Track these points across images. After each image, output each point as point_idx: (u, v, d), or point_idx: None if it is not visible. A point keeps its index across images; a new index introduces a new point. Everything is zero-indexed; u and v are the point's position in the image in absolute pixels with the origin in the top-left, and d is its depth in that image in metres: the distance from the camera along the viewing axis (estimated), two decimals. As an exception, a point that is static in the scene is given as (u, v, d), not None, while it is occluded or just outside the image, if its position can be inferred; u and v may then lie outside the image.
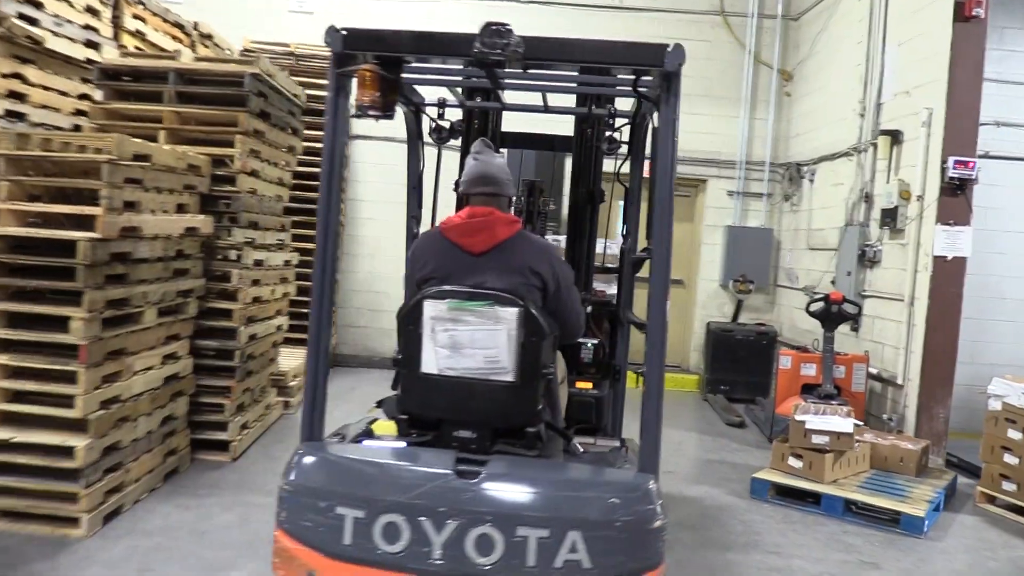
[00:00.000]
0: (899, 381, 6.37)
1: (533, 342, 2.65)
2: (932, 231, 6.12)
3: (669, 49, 2.48)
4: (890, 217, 6.62)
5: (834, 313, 6.43)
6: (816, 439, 5.29)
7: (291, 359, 7.00)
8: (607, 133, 3.84)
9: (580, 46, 2.55)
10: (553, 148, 4.71)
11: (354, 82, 2.60)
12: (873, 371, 6.66)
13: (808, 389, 6.60)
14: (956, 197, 6.08)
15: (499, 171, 3.03)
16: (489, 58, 2.45)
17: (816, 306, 6.48)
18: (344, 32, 2.52)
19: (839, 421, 5.29)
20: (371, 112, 2.54)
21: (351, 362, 9.20)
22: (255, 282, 5.70)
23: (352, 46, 2.52)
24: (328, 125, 2.62)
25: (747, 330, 8.65)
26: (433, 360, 2.67)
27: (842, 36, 8.00)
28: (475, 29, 2.50)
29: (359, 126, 9.02)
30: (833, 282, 7.57)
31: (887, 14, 7.08)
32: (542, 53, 2.52)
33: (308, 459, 2.54)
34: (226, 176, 5.27)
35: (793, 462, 5.35)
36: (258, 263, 5.74)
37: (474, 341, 2.64)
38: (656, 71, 2.59)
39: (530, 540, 2.34)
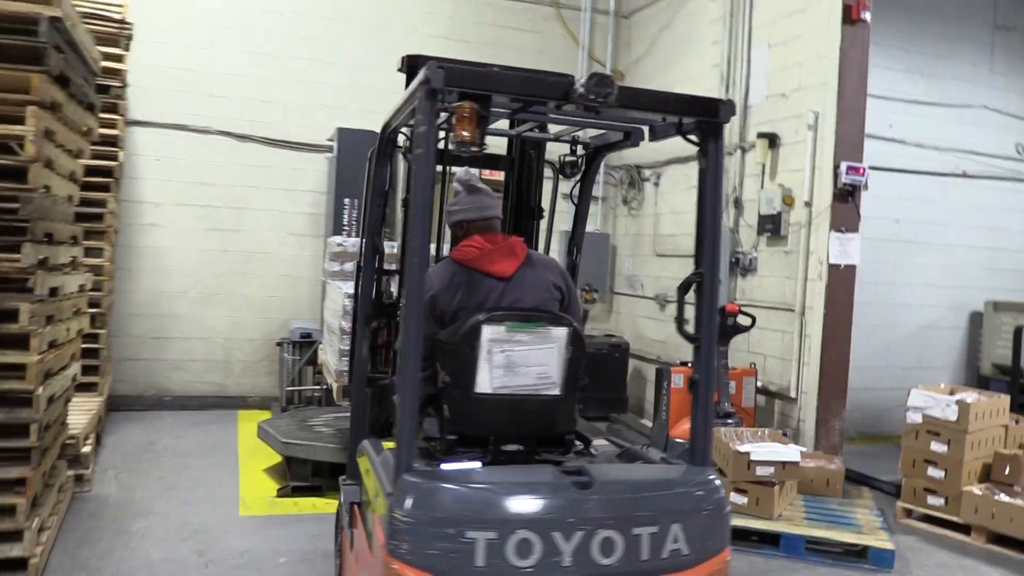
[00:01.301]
0: (792, 394, 6.14)
1: (577, 357, 2.94)
2: (824, 238, 5.95)
3: (723, 104, 2.75)
4: (771, 223, 6.39)
5: (729, 326, 6.04)
6: (760, 471, 4.79)
7: (78, 413, 5.20)
8: (569, 158, 3.88)
9: (656, 96, 2.83)
10: (494, 167, 4.54)
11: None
12: (758, 384, 6.39)
13: (702, 408, 6.15)
14: (847, 203, 5.95)
15: (492, 196, 3.30)
16: (595, 104, 2.58)
17: (712, 319, 6.05)
18: (445, 68, 2.48)
19: (784, 449, 4.84)
20: (472, 148, 2.52)
21: (134, 404, 7.31)
22: (49, 319, 4.00)
23: (453, 82, 2.49)
24: (423, 163, 2.52)
25: (598, 343, 8.13)
26: (488, 380, 2.81)
27: (691, 36, 7.74)
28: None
29: (137, 109, 7.17)
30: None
31: (752, 15, 6.87)
32: (626, 100, 2.67)
33: (426, 488, 2.50)
34: (9, 168, 3.57)
35: (736, 498, 4.81)
36: (53, 292, 4.03)
37: (528, 360, 2.85)
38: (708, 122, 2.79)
39: (643, 537, 2.55)
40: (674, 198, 7.94)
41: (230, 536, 4.40)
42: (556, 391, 2.91)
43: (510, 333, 2.82)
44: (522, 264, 3.13)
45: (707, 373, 2.83)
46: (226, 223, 7.62)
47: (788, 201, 6.27)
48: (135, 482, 5.18)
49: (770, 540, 4.61)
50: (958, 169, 8.04)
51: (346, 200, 6.95)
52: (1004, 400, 5.37)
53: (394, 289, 4.08)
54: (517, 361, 2.83)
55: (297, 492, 5.10)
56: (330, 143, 7.02)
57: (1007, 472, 5.08)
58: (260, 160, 7.67)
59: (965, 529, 4.97)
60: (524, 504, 2.50)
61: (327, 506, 4.90)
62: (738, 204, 6.90)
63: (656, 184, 8.26)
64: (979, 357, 8.20)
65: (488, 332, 2.78)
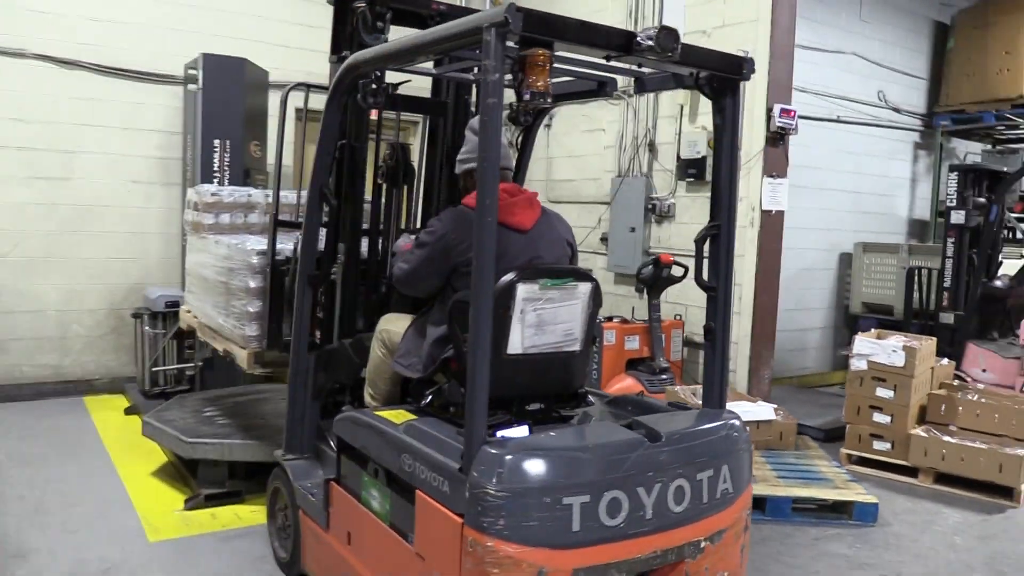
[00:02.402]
0: (720, 345, 5.96)
1: (595, 312, 2.98)
2: (755, 184, 5.76)
3: (745, 61, 2.83)
4: (694, 168, 6.12)
5: (663, 278, 5.74)
6: (734, 431, 4.53)
7: None
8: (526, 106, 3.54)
9: (697, 52, 2.73)
10: (426, 112, 4.36)
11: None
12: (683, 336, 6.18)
13: (634, 364, 5.86)
14: (777, 148, 5.78)
15: (506, 145, 3.20)
16: (662, 57, 2.54)
17: (647, 271, 5.72)
18: (523, 11, 2.28)
19: (757, 408, 4.62)
20: (544, 99, 2.42)
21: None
22: None
23: (530, 28, 2.32)
24: (495, 114, 2.33)
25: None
26: (519, 341, 2.75)
27: (590, -37, 7.21)
28: None
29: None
30: (604, 239, 6.91)
31: (663, -55, 6.45)
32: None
33: (513, 459, 2.38)
34: None
35: (709, 462, 4.52)
36: None
37: (556, 317, 2.82)
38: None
39: (704, 481, 2.65)
40: (570, 141, 7.48)
41: (149, 574, 3.47)
42: (577, 347, 2.92)
43: (543, 291, 2.75)
44: (539, 218, 3.10)
45: (724, 322, 2.96)
46: (52, 170, 6.19)
47: (713, 145, 5.99)
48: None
49: (753, 504, 4.38)
50: (832, 114, 8.22)
51: (216, 141, 5.82)
52: (933, 343, 5.48)
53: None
54: (547, 319, 2.79)
55: (211, 501, 4.18)
56: (193, 72, 5.83)
57: (943, 412, 5.20)
58: (93, 92, 6.27)
59: (911, 472, 5.04)
60: (612, 464, 2.49)
61: (254, 515, 4.05)
62: (652, 148, 6.56)
63: (548, 126, 7.74)
64: (847, 297, 8.57)
65: (523, 291, 2.70)
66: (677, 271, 5.75)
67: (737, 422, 2.88)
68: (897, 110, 8.77)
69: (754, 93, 5.73)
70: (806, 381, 7.94)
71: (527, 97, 2.42)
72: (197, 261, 4.81)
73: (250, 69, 6.01)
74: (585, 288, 2.88)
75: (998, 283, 6.82)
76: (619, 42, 2.54)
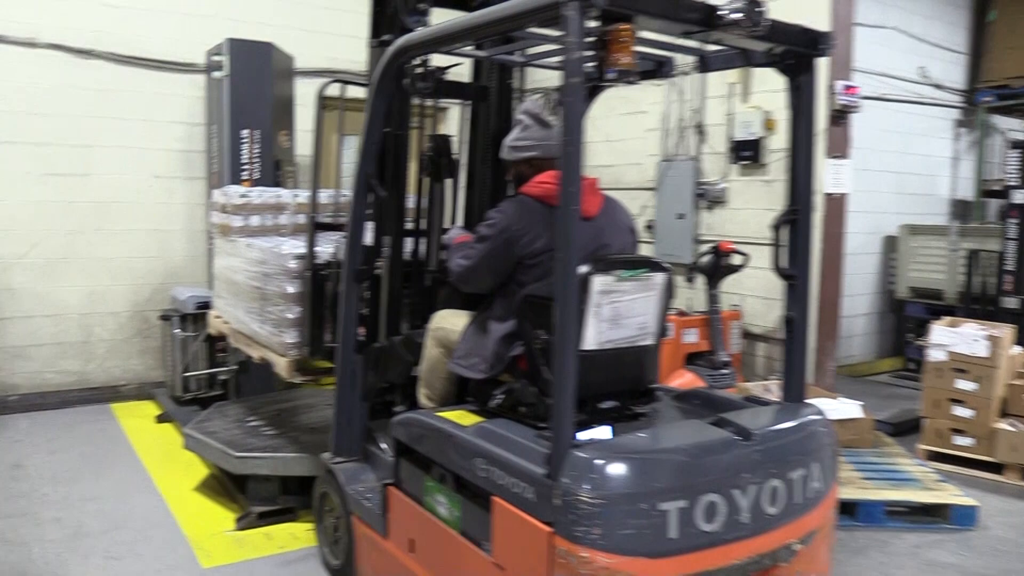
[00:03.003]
0: (781, 335, 5.66)
1: (668, 303, 2.85)
2: (816, 165, 5.43)
3: (822, 36, 2.70)
4: (749, 150, 5.79)
5: (722, 266, 5.42)
6: (817, 431, 4.24)
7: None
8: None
9: (782, 27, 2.58)
10: (468, 97, 4.02)
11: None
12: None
13: (693, 359, 5.56)
14: (839, 127, 5.46)
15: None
16: (748, 31, 2.44)
17: (706, 259, 5.40)
18: None
19: (843, 406, 4.32)
20: (630, 77, 2.31)
21: (-37, 411, 5.54)
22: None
23: (615, 2, 2.24)
24: (577, 95, 2.21)
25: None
26: (594, 335, 2.61)
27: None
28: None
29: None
30: (649, 227, 6.59)
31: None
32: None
33: (604, 464, 2.25)
34: None
35: (791, 464, 4.23)
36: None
37: (631, 310, 2.69)
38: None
39: (796, 480, 2.52)
40: (608, 124, 7.13)
41: (209, 603, 3.17)
42: (650, 340, 2.81)
43: (618, 283, 2.62)
44: (603, 205, 2.98)
45: (803, 310, 2.87)
46: (70, 165, 5.86)
47: (770, 125, 5.68)
48: (25, 535, 3.71)
49: (842, 509, 4.09)
50: (876, 92, 7.88)
51: (244, 132, 5.49)
52: (1010, 330, 5.18)
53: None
54: (622, 312, 2.67)
55: (263, 519, 3.88)
56: (217, 58, 5.48)
57: (1027, 404, 4.90)
58: (110, 82, 5.93)
59: (994, 467, 4.75)
60: (707, 465, 2.39)
61: (311, 535, 3.75)
62: (700, 129, 6.23)
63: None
64: (892, 282, 8.26)
65: (598, 283, 2.57)
66: (737, 259, 5.44)
67: (822, 416, 2.78)
68: (939, 86, 8.44)
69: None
70: (854, 370, 7.64)
71: (611, 76, 2.31)
72: (227, 265, 4.51)
73: (277, 55, 5.67)
74: (660, 279, 2.77)
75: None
76: (703, 16, 2.42)
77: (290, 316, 3.87)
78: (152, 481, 4.44)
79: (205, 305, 5.35)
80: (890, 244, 8.26)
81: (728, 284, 5.94)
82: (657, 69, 3.43)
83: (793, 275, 2.87)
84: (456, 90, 3.98)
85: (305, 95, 6.54)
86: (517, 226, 2.84)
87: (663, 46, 3.04)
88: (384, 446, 3.40)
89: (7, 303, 5.71)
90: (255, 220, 4.47)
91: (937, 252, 7.71)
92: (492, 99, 3.97)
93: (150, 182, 6.17)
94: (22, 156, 5.69)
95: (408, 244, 3.76)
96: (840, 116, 5.40)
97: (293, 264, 3.86)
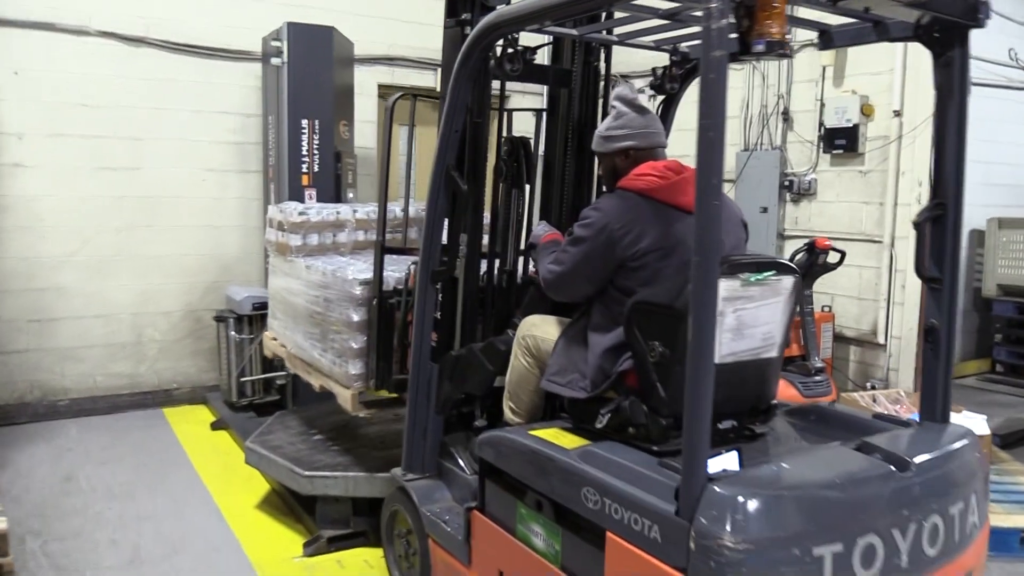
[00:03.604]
0: (878, 340, 5.24)
1: (794, 309, 2.56)
2: (922, 155, 4.99)
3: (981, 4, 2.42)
4: (844, 138, 5.35)
5: (818, 265, 4.99)
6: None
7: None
8: (674, 71, 3.36)
9: None
10: (548, 82, 3.64)
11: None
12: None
13: (783, 365, 5.13)
14: (942, 112, 4.98)
15: (658, 118, 2.85)
16: None
17: (799, 257, 4.98)
18: None
19: (967, 420, 3.88)
20: (781, 49, 2.03)
21: (15, 416, 5.31)
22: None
23: None
24: (719, 68, 1.91)
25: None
26: (718, 347, 2.15)
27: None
28: None
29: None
30: (726, 222, 6.17)
31: None
32: None
33: (748, 502, 1.94)
34: None
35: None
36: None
37: (756, 319, 2.38)
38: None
39: (956, 515, 2.25)
40: (681, 112, 6.65)
41: (282, 643, 2.86)
42: (775, 352, 2.49)
43: (744, 288, 2.31)
44: None
45: (949, 319, 2.55)
46: (120, 159, 5.60)
47: (867, 111, 5.24)
48: (80, 558, 3.42)
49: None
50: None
51: (304, 121, 5.16)
52: None
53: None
54: (747, 321, 2.36)
55: (334, 544, 3.55)
56: (275, 44, 5.16)
57: None
58: (162, 72, 5.65)
59: None
60: (865, 502, 2.10)
61: (382, 562, 3.42)
62: (786, 116, 5.79)
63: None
64: (979, 278, 7.73)
65: (724, 288, 2.25)
66: (833, 257, 5.01)
67: (973, 439, 2.48)
68: (1030, 69, 7.87)
69: (920, 48, 4.91)
70: (942, 374, 7.15)
71: (758, 48, 2.03)
72: (284, 287, 4.20)
73: (338, 39, 5.34)
74: (788, 283, 2.46)
75: None
76: None
77: (354, 346, 3.56)
78: (211, 497, 4.15)
79: (262, 306, 5.05)
80: (977, 238, 7.74)
81: (818, 284, 5.51)
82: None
83: (938, 279, 2.55)
84: (538, 74, 3.61)
85: (363, 83, 6.24)
86: (618, 224, 2.51)
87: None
88: (463, 463, 3.15)
89: (56, 303, 5.47)
90: (313, 239, 4.15)
91: (1030, 247, 7.17)
92: (576, 84, 3.60)
93: (203, 176, 5.89)
94: (72, 150, 5.44)
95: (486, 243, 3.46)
96: (948, 100, 4.93)
97: (359, 290, 3.55)
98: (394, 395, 3.55)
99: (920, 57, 4.96)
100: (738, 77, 6.10)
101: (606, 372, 2.53)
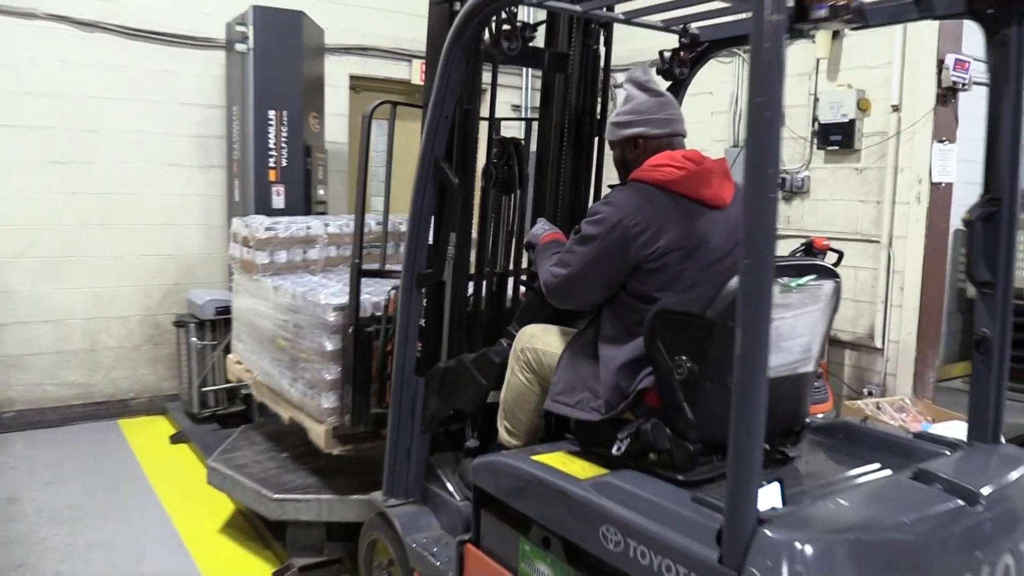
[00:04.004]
0: (876, 343, 5.03)
1: (832, 318, 2.34)
2: (921, 151, 4.79)
3: None
4: (839, 134, 5.13)
5: (815, 267, 4.77)
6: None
7: None
8: (684, 54, 3.11)
9: None
10: (542, 66, 3.31)
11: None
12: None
13: (777, 371, 4.92)
14: (947, 107, 4.80)
15: (676, 102, 2.54)
16: None
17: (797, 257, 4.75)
18: None
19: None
20: (847, 14, 1.83)
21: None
22: None
23: None
24: (776, 35, 1.62)
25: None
26: None
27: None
28: None
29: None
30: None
31: None
32: None
33: (809, 550, 1.66)
34: None
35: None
36: None
37: (794, 329, 2.14)
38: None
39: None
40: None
41: None
42: (811, 366, 2.27)
43: (783, 294, 2.05)
44: (735, 190, 2.38)
45: (1003, 328, 2.29)
46: (71, 152, 5.21)
47: (864, 106, 5.03)
48: None
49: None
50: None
51: (271, 112, 4.83)
52: None
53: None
54: (784, 332, 2.11)
55: (305, 573, 3.24)
56: (240, 29, 4.81)
57: None
58: (117, 59, 5.27)
59: None
60: (936, 544, 1.88)
61: (361, 590, 3.13)
62: (777, 112, 5.57)
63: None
64: (962, 279, 7.60)
65: None
66: (831, 258, 4.78)
67: None
68: None
69: (919, 41, 4.74)
70: (929, 377, 7.00)
71: (822, 13, 1.83)
72: (249, 307, 3.88)
73: (308, 26, 5.01)
74: (828, 288, 2.22)
75: None
76: None
77: (328, 377, 3.26)
78: (169, 520, 3.81)
79: (226, 310, 4.69)
80: (961, 238, 7.61)
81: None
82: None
83: (991, 283, 2.30)
84: (533, 57, 3.32)
85: (333, 74, 5.91)
86: (633, 220, 2.23)
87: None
88: (451, 487, 2.87)
89: (1, 308, 5.06)
90: (282, 256, 3.84)
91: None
92: (573, 70, 3.31)
93: (162, 171, 5.51)
94: (19, 141, 5.05)
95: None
96: (949, 95, 4.75)
97: (332, 317, 3.24)
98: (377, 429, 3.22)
99: (919, 50, 4.78)
100: (726, 71, 5.88)
101: (623, 391, 2.25)
